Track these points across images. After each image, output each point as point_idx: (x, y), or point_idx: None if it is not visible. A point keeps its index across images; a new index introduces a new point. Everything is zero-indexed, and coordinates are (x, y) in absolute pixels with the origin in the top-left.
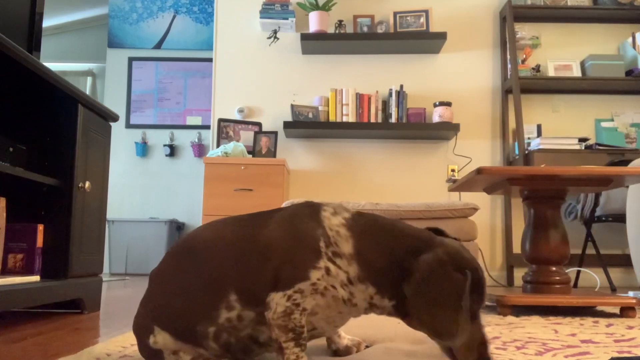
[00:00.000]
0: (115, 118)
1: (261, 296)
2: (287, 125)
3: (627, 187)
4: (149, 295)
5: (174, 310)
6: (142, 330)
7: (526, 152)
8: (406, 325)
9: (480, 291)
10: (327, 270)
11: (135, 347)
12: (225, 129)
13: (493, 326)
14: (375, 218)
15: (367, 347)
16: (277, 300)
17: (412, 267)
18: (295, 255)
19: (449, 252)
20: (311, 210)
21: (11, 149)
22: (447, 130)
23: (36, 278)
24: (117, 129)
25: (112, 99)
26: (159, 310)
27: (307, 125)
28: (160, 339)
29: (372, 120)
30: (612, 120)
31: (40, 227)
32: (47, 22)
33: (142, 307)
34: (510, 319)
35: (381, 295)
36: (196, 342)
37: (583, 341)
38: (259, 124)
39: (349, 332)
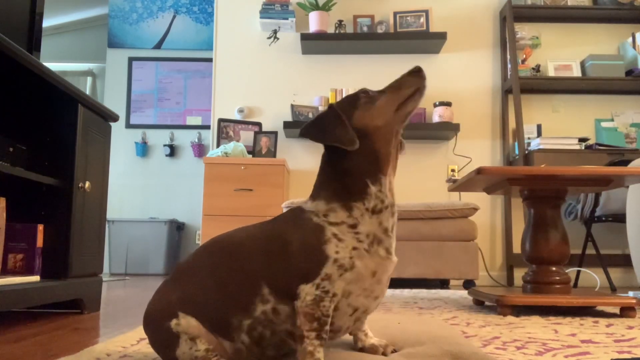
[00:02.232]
0: (115, 118)
1: (291, 289)
2: (287, 125)
3: (627, 187)
4: (176, 285)
5: (207, 301)
6: (163, 314)
7: (526, 152)
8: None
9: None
10: (336, 236)
11: (136, 347)
12: (225, 129)
13: (493, 326)
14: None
15: (394, 351)
16: (307, 290)
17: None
18: (306, 244)
19: None
20: (297, 208)
21: (11, 149)
22: (447, 130)
23: (36, 278)
24: (117, 129)
25: (112, 99)
26: (189, 300)
27: None
28: (184, 322)
29: None
30: (612, 120)
31: (40, 227)
32: (47, 22)
33: (165, 294)
34: (510, 319)
35: (362, 201)
36: (227, 334)
37: (583, 341)
38: (259, 124)
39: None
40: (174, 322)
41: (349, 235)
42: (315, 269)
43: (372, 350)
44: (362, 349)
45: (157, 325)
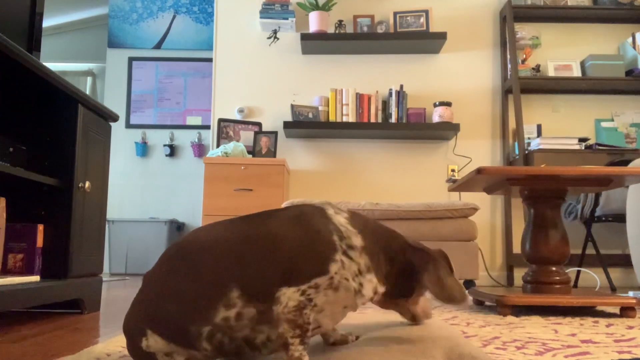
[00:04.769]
0: (115, 118)
1: (267, 292)
2: (287, 125)
3: (627, 187)
4: (141, 298)
5: (166, 312)
6: (133, 332)
7: (526, 152)
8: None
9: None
10: (342, 263)
11: None
12: (225, 129)
13: (493, 326)
14: (367, 218)
15: (356, 338)
16: (290, 295)
17: (401, 261)
18: (312, 249)
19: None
20: (317, 209)
21: (11, 149)
22: (447, 130)
23: (36, 278)
24: (117, 129)
25: (112, 99)
26: (151, 313)
27: (307, 125)
28: (153, 342)
29: (372, 120)
30: (612, 120)
31: (40, 227)
32: (47, 22)
33: (134, 309)
34: (510, 319)
35: (381, 284)
36: (188, 343)
37: (583, 341)
38: (259, 124)
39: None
40: (144, 342)
41: (352, 271)
42: (307, 275)
43: (343, 341)
44: (334, 343)
45: (131, 343)
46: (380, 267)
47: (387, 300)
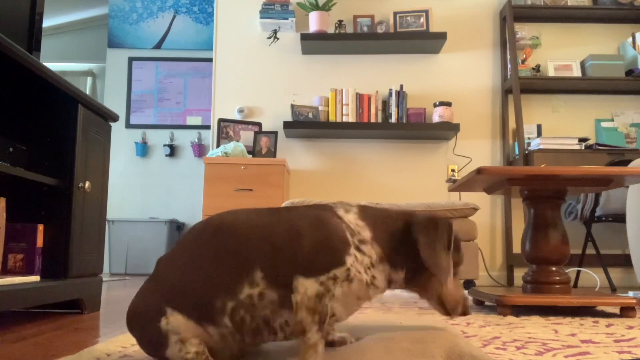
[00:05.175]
0: (115, 118)
1: (287, 279)
2: (287, 125)
3: (627, 187)
4: (161, 279)
5: (190, 287)
6: (151, 312)
7: (526, 152)
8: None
9: (457, 248)
10: (355, 257)
11: (136, 347)
12: (225, 129)
13: (493, 326)
14: (377, 209)
15: (356, 340)
16: (308, 285)
17: (409, 239)
18: (329, 243)
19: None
20: (330, 211)
21: (11, 149)
22: (447, 130)
23: (36, 278)
24: (117, 129)
25: (112, 99)
26: (172, 292)
27: (307, 125)
28: (172, 320)
29: (372, 120)
30: (612, 120)
31: (40, 227)
32: (47, 22)
33: (151, 290)
34: (510, 319)
35: (395, 270)
36: (210, 319)
37: (583, 341)
38: (259, 124)
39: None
40: (163, 321)
41: (364, 264)
42: (325, 266)
43: (342, 342)
44: (332, 343)
45: (144, 326)
46: (392, 254)
47: (409, 284)
